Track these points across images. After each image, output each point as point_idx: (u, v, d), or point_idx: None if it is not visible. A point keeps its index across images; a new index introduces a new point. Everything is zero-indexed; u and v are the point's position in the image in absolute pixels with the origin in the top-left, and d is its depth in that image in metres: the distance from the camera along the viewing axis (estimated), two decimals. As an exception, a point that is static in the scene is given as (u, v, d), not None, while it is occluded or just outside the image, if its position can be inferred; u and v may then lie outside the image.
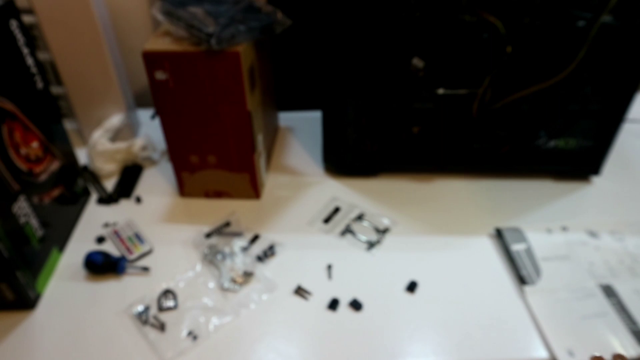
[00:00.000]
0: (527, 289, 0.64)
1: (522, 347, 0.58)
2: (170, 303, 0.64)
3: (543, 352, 0.58)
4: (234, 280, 0.66)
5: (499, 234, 0.72)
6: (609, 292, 0.64)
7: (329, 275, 0.68)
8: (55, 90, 0.87)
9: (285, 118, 1.00)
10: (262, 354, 0.59)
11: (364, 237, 0.73)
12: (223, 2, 0.70)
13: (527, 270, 0.66)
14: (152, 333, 0.61)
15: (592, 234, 0.72)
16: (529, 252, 0.69)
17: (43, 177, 0.67)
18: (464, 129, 0.77)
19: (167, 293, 0.65)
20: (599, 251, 0.69)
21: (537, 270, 0.66)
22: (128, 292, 0.66)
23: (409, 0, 0.64)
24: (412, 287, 0.65)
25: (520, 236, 0.71)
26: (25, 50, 0.63)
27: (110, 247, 0.72)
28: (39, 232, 0.65)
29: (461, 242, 0.72)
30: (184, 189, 0.80)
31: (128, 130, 0.90)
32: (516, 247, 0.69)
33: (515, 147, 0.79)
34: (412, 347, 0.59)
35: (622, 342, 0.58)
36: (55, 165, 0.70)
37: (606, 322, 0.60)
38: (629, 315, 0.61)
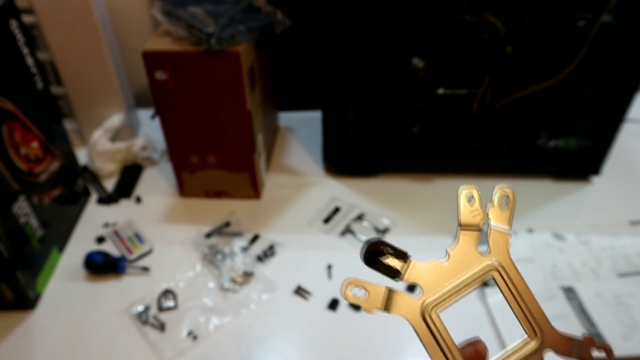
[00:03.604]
0: (488, 290, 0.64)
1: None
2: (170, 303, 0.64)
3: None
4: (234, 280, 0.66)
5: None
6: (570, 294, 0.64)
7: (329, 275, 0.68)
8: (55, 90, 0.87)
9: (285, 118, 1.00)
10: (262, 354, 0.59)
11: (364, 237, 0.73)
12: (223, 2, 0.70)
13: None
14: (152, 333, 0.61)
15: (558, 236, 0.72)
16: None
17: (43, 177, 0.67)
18: (463, 129, 0.77)
19: (167, 293, 0.65)
20: (563, 253, 0.69)
21: None
22: (128, 292, 0.66)
23: (409, 0, 0.64)
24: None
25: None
26: (25, 50, 0.63)
27: (110, 247, 0.72)
28: (39, 232, 0.65)
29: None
30: (184, 189, 0.80)
31: (128, 130, 0.90)
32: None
33: (515, 147, 0.79)
34: (412, 347, 0.59)
35: None
36: (55, 165, 0.70)
37: (565, 324, 0.60)
38: (588, 318, 0.61)
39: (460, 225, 0.31)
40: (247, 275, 0.67)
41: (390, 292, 0.29)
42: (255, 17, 0.68)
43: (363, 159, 0.82)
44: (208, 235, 0.73)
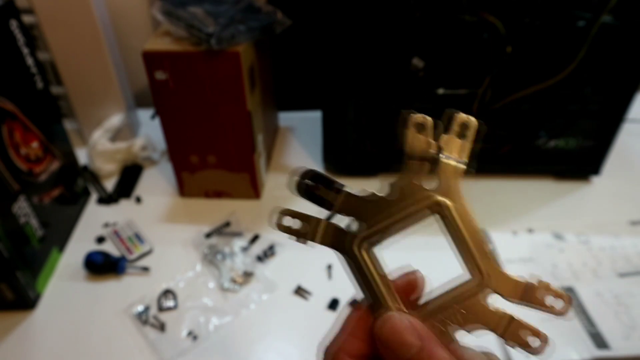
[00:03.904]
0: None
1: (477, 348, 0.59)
2: (170, 303, 0.64)
3: (498, 353, 0.58)
4: (234, 280, 0.66)
5: None
6: (570, 294, 0.64)
7: (329, 275, 0.68)
8: (55, 90, 0.87)
9: (285, 118, 1.00)
10: (262, 354, 0.59)
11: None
12: (223, 2, 0.70)
13: None
14: (152, 333, 0.61)
15: (558, 236, 0.72)
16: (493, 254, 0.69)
17: (43, 177, 0.67)
18: (464, 129, 0.77)
19: (167, 293, 0.65)
20: (563, 253, 0.69)
21: None
22: (128, 292, 0.66)
23: (409, 0, 0.64)
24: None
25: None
26: (25, 50, 0.63)
27: (110, 247, 0.72)
28: (39, 232, 0.65)
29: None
30: (184, 189, 0.80)
31: (128, 130, 0.90)
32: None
33: (516, 147, 0.79)
34: (412, 347, 0.59)
35: (579, 344, 0.58)
36: (55, 165, 0.70)
37: (565, 324, 0.60)
38: (588, 318, 0.61)
39: (406, 156, 0.29)
40: (247, 275, 0.67)
41: (323, 224, 0.28)
42: (255, 17, 0.68)
43: (363, 159, 0.82)
44: (208, 235, 0.73)
